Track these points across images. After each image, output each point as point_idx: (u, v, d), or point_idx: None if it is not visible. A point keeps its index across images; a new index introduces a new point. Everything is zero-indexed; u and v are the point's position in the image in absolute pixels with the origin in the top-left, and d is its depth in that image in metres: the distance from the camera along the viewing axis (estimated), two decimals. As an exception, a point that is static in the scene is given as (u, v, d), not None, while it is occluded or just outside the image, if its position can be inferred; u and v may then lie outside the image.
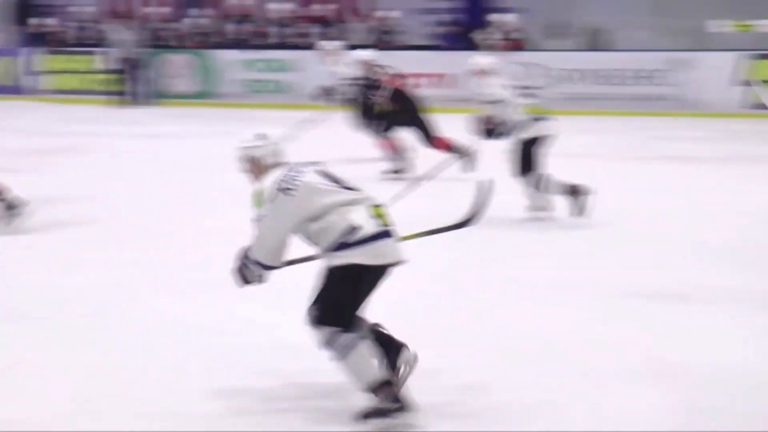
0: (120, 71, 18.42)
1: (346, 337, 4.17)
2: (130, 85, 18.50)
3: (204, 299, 5.94)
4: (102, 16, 20.38)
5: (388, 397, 4.19)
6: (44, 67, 19.60)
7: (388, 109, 10.52)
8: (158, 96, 18.60)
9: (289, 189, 4.25)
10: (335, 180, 4.35)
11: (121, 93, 18.44)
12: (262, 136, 4.46)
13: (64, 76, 19.43)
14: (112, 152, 12.67)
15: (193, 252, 7.21)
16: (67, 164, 11.77)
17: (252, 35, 18.86)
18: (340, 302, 4.23)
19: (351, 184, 4.37)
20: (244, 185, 4.56)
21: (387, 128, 10.62)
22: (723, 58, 15.88)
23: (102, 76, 18.72)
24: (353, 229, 4.20)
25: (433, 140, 10.42)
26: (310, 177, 4.30)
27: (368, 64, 10.77)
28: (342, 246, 4.21)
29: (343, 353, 4.17)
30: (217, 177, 9.59)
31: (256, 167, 4.43)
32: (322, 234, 4.25)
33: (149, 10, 20.38)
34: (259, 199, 4.29)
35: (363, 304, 4.28)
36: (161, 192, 9.76)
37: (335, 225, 4.23)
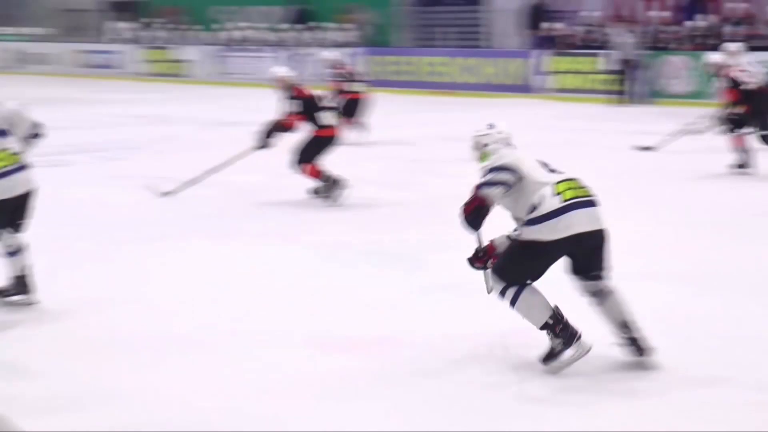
0: (620, 72, 19.63)
1: (513, 289, 4.88)
2: (629, 84, 19.66)
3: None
4: (607, 19, 21.59)
5: (560, 332, 4.83)
6: (551, 67, 21.29)
7: (736, 109, 11.04)
8: (654, 95, 19.57)
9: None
10: (545, 165, 5.03)
11: (620, 92, 19.65)
12: (492, 126, 5.18)
13: (567, 76, 20.99)
14: (604, 148, 13.83)
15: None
16: (565, 158, 13.05)
17: (747, 37, 19.09)
18: (511, 266, 4.90)
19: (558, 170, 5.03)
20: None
21: (737, 126, 11.15)
22: None
23: (603, 76, 20.05)
24: (534, 207, 4.83)
25: None
26: (523, 153, 5.05)
27: (720, 66, 11.33)
28: (527, 223, 4.85)
29: (512, 301, 4.91)
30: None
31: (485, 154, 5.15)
32: (515, 206, 4.90)
33: (652, 14, 21.27)
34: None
35: (538, 273, 4.92)
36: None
37: (525, 201, 4.85)
